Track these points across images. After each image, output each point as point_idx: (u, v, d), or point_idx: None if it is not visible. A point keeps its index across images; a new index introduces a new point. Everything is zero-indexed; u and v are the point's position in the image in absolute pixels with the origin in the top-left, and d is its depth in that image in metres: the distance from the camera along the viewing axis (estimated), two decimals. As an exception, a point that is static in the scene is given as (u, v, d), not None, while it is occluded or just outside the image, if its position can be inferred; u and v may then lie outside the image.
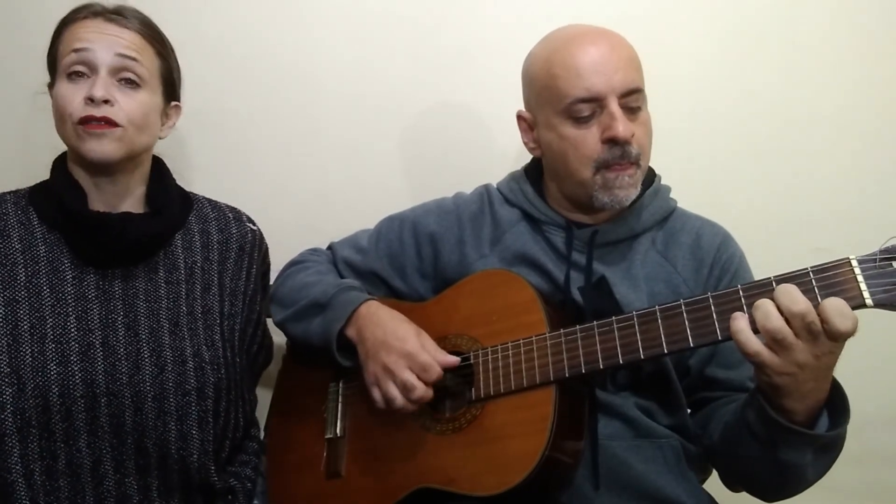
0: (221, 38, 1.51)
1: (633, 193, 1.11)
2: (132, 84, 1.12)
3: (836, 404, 0.93)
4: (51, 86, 1.15)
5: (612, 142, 1.08)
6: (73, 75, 1.10)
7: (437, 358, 1.07)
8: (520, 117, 1.21)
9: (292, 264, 1.34)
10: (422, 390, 1.06)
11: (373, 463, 1.15)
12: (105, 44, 1.11)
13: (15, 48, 1.47)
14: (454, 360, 1.08)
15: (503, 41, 1.53)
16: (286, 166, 1.54)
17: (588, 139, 1.09)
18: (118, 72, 1.11)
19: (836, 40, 1.57)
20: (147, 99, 1.14)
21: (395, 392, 1.07)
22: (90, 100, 1.08)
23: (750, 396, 0.98)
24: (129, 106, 1.11)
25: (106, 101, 1.09)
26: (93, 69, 1.10)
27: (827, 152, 1.57)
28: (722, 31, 1.57)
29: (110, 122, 1.09)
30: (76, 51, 1.10)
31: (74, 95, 1.09)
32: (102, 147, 1.09)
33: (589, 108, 1.08)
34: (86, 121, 1.08)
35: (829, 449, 0.95)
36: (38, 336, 1.07)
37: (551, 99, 1.11)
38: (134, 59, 1.12)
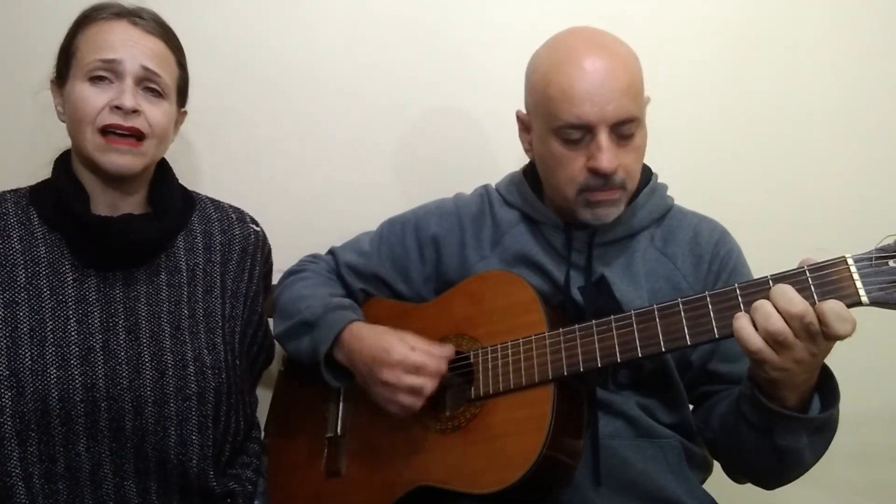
0: (221, 38, 1.51)
1: (616, 212, 1.12)
2: (156, 93, 1.11)
3: (825, 386, 0.95)
4: (58, 82, 1.13)
5: (595, 172, 1.07)
6: (96, 79, 1.08)
7: (429, 352, 1.08)
8: (518, 118, 1.21)
9: (291, 273, 1.34)
10: (430, 385, 1.07)
11: (373, 461, 1.16)
12: (133, 53, 1.09)
13: (16, 46, 1.47)
14: (447, 349, 1.09)
15: (503, 41, 1.53)
16: (286, 166, 1.54)
17: (574, 162, 1.09)
18: (143, 81, 1.10)
19: (835, 41, 1.57)
20: (169, 108, 1.13)
21: (407, 400, 1.07)
22: (117, 108, 1.07)
23: (744, 387, 0.99)
24: (154, 116, 1.10)
25: (134, 111, 1.08)
26: (119, 76, 1.08)
27: (826, 153, 1.57)
28: (722, 32, 1.57)
29: (137, 134, 1.08)
30: (104, 60, 1.08)
31: (97, 100, 1.07)
32: (125, 161, 1.08)
33: (579, 132, 1.07)
34: (111, 129, 1.07)
35: (823, 430, 0.98)
36: (37, 339, 1.06)
37: (545, 115, 1.10)
38: (160, 72, 1.11)
